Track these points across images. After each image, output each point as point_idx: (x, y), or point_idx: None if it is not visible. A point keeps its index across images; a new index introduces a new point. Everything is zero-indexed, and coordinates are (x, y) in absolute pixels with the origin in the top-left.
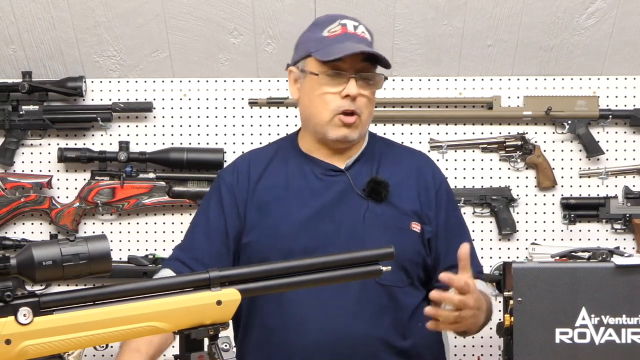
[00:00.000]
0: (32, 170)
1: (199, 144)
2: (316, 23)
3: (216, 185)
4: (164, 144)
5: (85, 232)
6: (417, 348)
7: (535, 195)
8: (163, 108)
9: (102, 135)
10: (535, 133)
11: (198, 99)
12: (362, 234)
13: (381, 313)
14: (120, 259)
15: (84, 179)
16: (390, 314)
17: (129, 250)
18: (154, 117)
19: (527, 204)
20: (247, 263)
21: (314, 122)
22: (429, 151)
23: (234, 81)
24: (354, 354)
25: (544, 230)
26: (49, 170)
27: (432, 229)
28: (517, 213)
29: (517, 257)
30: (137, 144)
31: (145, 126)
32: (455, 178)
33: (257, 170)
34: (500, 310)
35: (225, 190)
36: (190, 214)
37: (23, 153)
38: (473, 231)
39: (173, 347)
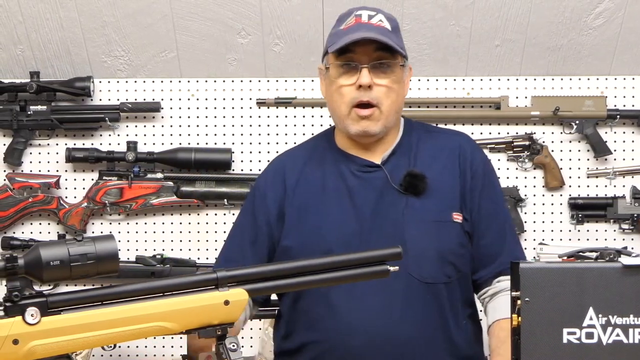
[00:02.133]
0: (40, 170)
1: (206, 144)
2: (338, 18)
3: (251, 194)
4: (171, 144)
5: (93, 232)
6: (464, 347)
7: (543, 195)
8: (171, 108)
9: (110, 135)
10: (543, 133)
11: (206, 99)
12: (402, 230)
13: (428, 313)
14: (128, 259)
15: (92, 179)
16: (438, 312)
17: (136, 250)
18: (162, 117)
19: (534, 204)
20: None
21: (336, 117)
22: None
23: (241, 81)
24: (401, 357)
25: (552, 230)
26: (57, 170)
27: (468, 217)
28: (525, 213)
29: (525, 257)
30: (145, 144)
31: (153, 126)
32: None
33: (293, 173)
34: None
35: (259, 198)
36: (198, 214)
37: (31, 153)
38: None
39: (181, 347)
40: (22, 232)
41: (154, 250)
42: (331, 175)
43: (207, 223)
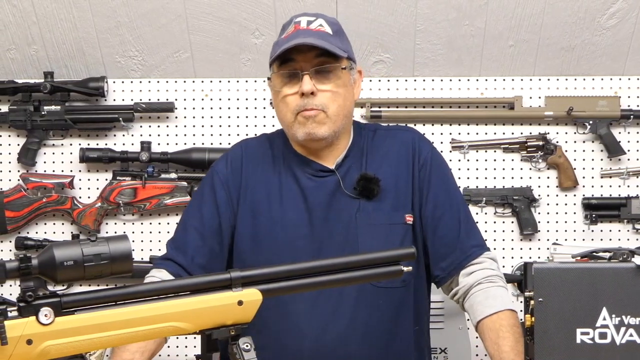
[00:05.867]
0: (54, 171)
1: (220, 144)
2: (282, 26)
3: (209, 179)
4: (185, 144)
5: (107, 232)
6: (411, 352)
7: (557, 195)
8: (185, 108)
9: (123, 135)
10: (557, 133)
11: (220, 99)
12: (355, 235)
13: (379, 318)
14: (142, 259)
15: (106, 179)
16: (389, 317)
17: (150, 250)
18: (176, 117)
19: (548, 204)
20: (238, 263)
21: (284, 126)
22: (450, 151)
23: (255, 81)
24: None
25: (565, 231)
26: (71, 171)
27: (418, 213)
28: (539, 213)
29: (539, 257)
30: (158, 144)
31: (167, 126)
32: (477, 178)
33: (250, 164)
34: (521, 311)
35: (219, 184)
36: None
37: (45, 153)
38: (495, 231)
39: (195, 347)
40: (36, 232)
41: None
42: (285, 176)
43: None
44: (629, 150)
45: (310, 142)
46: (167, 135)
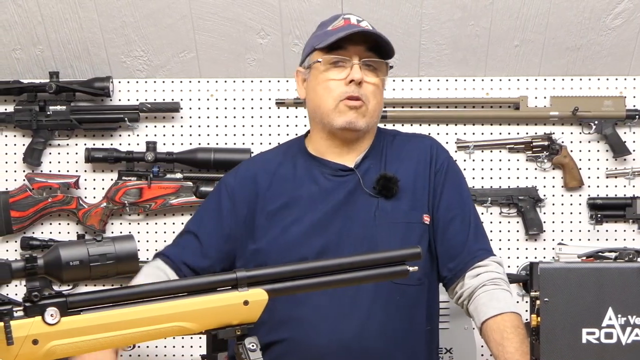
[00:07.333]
0: (59, 171)
1: (226, 144)
2: (321, 24)
3: (216, 189)
4: (191, 144)
5: (112, 232)
6: (424, 350)
7: (562, 195)
8: (190, 108)
9: (129, 135)
10: (562, 133)
11: (225, 99)
12: (373, 233)
13: (395, 314)
14: (148, 259)
15: (111, 179)
16: (404, 314)
17: (156, 250)
18: (181, 117)
19: (553, 204)
20: (256, 265)
21: (320, 112)
22: (455, 151)
23: (261, 81)
24: (367, 356)
25: (571, 231)
26: (76, 171)
27: (431, 214)
28: (544, 213)
29: (544, 257)
30: (164, 144)
31: (173, 126)
32: (482, 178)
33: (264, 176)
34: (527, 311)
35: (225, 195)
36: None
37: (50, 153)
38: (500, 231)
39: (200, 347)
40: (42, 233)
41: None
42: (303, 180)
43: None
44: (634, 150)
45: (346, 132)
46: (173, 135)
